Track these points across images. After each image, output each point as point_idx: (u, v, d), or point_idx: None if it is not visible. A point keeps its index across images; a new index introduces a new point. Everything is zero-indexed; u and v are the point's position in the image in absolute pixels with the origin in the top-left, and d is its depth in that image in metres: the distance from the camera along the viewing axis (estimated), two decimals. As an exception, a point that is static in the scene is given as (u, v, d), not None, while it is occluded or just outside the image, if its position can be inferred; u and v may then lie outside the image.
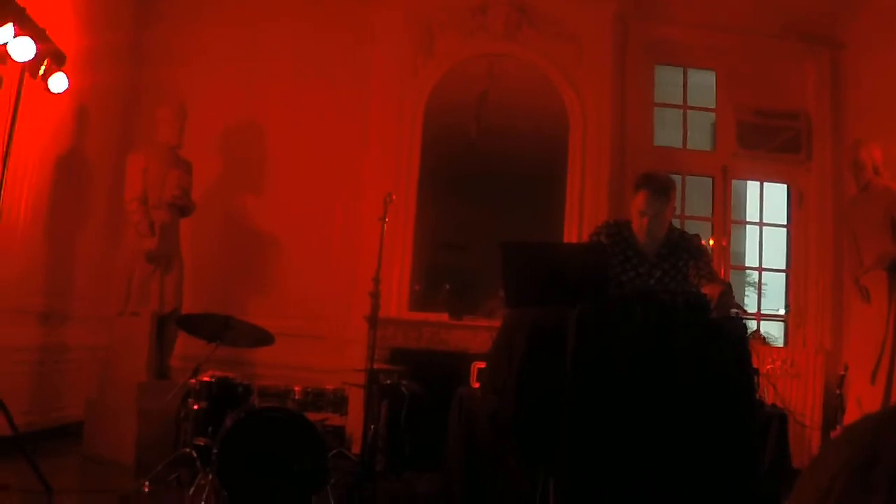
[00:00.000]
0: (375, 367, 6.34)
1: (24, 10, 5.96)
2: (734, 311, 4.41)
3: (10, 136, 5.97)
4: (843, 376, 7.07)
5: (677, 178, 8.88)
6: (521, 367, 3.86)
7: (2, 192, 5.84)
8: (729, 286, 4.56)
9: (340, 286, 8.22)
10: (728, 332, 3.93)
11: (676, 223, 8.61)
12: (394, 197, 6.44)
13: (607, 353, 3.69)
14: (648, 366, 3.66)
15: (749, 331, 8.95)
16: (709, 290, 4.37)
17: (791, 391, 7.83)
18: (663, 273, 4.92)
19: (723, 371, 3.75)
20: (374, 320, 6.21)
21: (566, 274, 4.16)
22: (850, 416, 6.92)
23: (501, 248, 4.28)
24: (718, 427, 3.68)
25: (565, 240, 8.37)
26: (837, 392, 7.08)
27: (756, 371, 5.72)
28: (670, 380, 3.66)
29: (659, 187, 4.94)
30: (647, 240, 4.94)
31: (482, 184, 8.80)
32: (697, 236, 5.19)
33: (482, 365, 5.58)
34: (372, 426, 6.40)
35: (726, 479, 3.61)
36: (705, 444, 3.64)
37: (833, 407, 7.34)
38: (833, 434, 7.00)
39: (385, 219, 6.31)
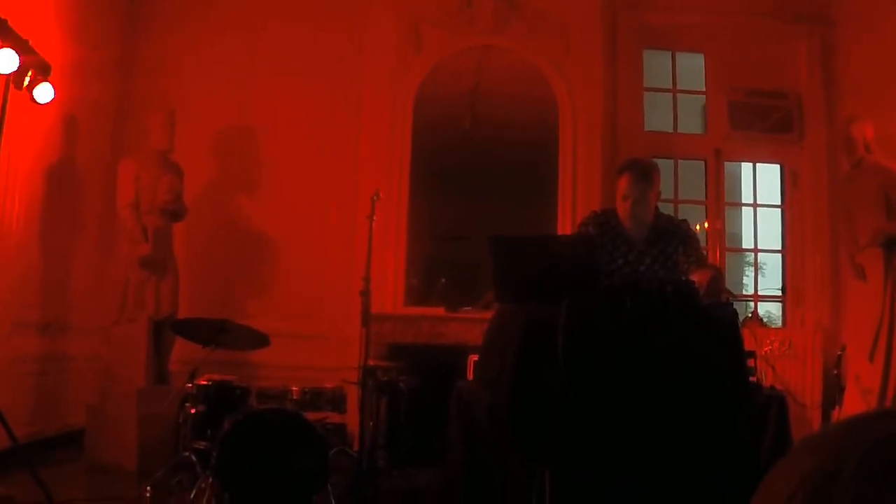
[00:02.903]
0: (372, 363, 6.36)
1: (5, 21, 5.96)
2: (725, 296, 4.42)
3: (-2, 149, 5.98)
4: (839, 356, 7.07)
5: (670, 163, 8.92)
6: (517, 361, 3.87)
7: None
8: (719, 271, 4.58)
9: (338, 284, 8.21)
10: (719, 319, 3.93)
11: (671, 208, 8.72)
12: (381, 194, 6.47)
13: (599, 344, 3.70)
14: (640, 356, 3.67)
15: (748, 312, 8.99)
16: (699, 276, 4.38)
17: (790, 371, 7.83)
18: (653, 260, 4.93)
19: (715, 358, 3.75)
20: (366, 318, 6.23)
21: (555, 267, 4.16)
22: (850, 394, 6.93)
23: (489, 243, 4.29)
24: (712, 415, 3.68)
25: (559, 228, 8.39)
26: (835, 372, 7.08)
27: (752, 354, 5.73)
28: (662, 369, 3.66)
29: (641, 170, 4.98)
30: (633, 225, 4.95)
31: (477, 175, 8.81)
32: (685, 221, 5.20)
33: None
34: (371, 423, 6.42)
35: (722, 467, 3.61)
36: (699, 432, 3.64)
37: (833, 386, 7.34)
38: (834, 414, 7.00)
39: (373, 217, 6.32)
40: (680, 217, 8.23)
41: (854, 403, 6.80)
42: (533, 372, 3.81)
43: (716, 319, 3.92)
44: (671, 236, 4.98)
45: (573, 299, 3.74)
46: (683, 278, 4.61)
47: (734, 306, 4.31)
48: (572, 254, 4.47)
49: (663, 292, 3.87)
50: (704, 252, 5.91)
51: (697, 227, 9.09)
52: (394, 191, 8.24)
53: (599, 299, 3.88)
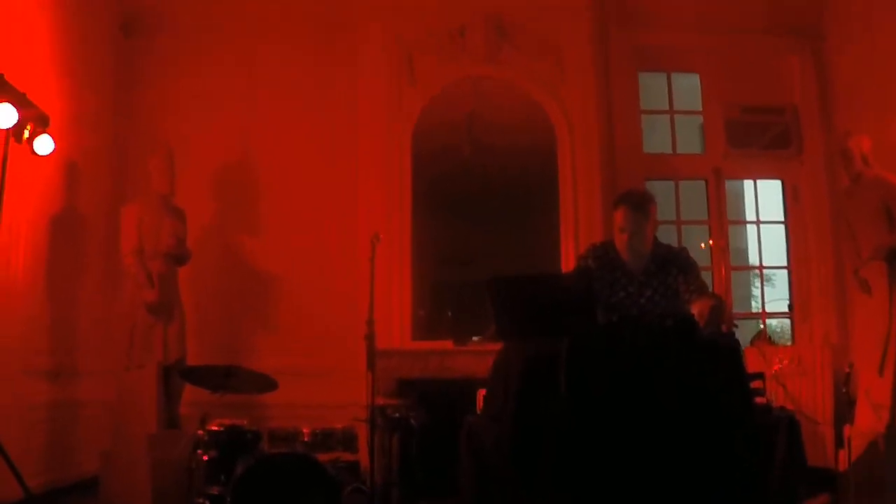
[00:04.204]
0: (381, 402, 6.36)
1: (2, 76, 6.00)
2: (727, 325, 4.43)
3: (0, 201, 6.00)
4: (848, 374, 7.04)
5: (670, 184, 8.93)
6: (518, 397, 3.88)
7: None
8: (720, 300, 4.58)
9: (344, 320, 8.13)
10: (720, 350, 3.94)
11: (673, 229, 8.74)
12: (381, 236, 6.47)
13: (600, 381, 3.71)
14: (641, 391, 3.68)
15: (756, 332, 8.97)
16: (699, 306, 4.39)
17: (801, 389, 7.79)
18: (653, 291, 4.95)
19: (716, 390, 3.76)
20: (371, 361, 6.22)
21: (554, 305, 4.18)
22: (861, 409, 6.90)
23: (488, 284, 4.31)
24: (713, 441, 3.69)
25: (563, 251, 8.46)
26: (844, 390, 7.05)
27: (760, 375, 5.72)
28: (664, 403, 3.67)
29: (636, 202, 5.01)
30: (631, 257, 4.99)
31: (480, 201, 8.82)
32: (685, 249, 5.21)
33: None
34: (383, 460, 6.42)
35: (725, 493, 3.63)
36: (704, 463, 3.65)
37: (843, 402, 7.30)
38: (845, 431, 6.96)
39: (374, 259, 6.32)
40: (684, 236, 8.30)
41: (865, 419, 6.77)
42: (535, 410, 3.83)
43: (717, 350, 3.93)
44: (671, 265, 5.00)
45: (574, 336, 3.76)
46: (685, 308, 4.63)
47: (736, 336, 4.34)
48: (569, 290, 4.48)
49: (664, 326, 3.89)
50: (706, 279, 5.90)
51: (702, 245, 9.08)
52: (395, 223, 8.31)
53: (600, 335, 3.90)
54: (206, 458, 5.74)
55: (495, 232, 8.77)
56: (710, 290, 5.30)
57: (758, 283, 11.39)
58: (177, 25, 9.03)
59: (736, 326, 5.12)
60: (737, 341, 4.20)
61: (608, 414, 3.70)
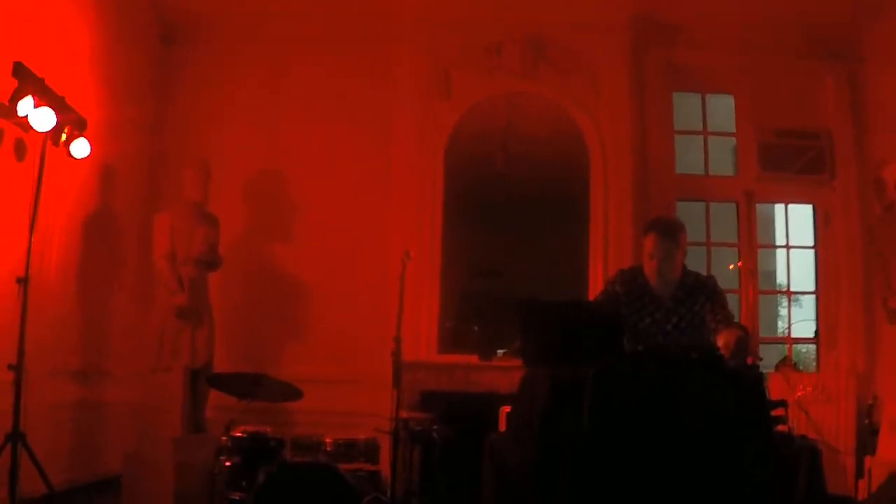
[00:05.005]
0: (405, 416, 6.38)
1: (42, 80, 6.10)
2: (751, 358, 4.45)
3: (36, 202, 6.07)
4: (871, 406, 7.00)
5: (701, 206, 8.91)
6: (541, 425, 3.91)
7: (30, 257, 5.94)
8: (746, 331, 4.59)
9: (372, 329, 8.15)
10: (743, 384, 3.95)
11: (703, 251, 8.72)
12: (412, 253, 6.47)
13: (624, 412, 3.73)
14: (665, 422, 3.70)
15: (782, 357, 8.92)
16: (726, 336, 4.41)
17: (824, 416, 7.76)
18: (680, 318, 4.97)
19: (737, 420, 3.78)
20: (397, 378, 6.20)
21: (581, 333, 4.21)
22: (884, 439, 6.87)
23: (517, 308, 4.35)
24: (729, 467, 3.72)
25: (591, 271, 8.46)
26: (867, 420, 7.02)
27: (783, 403, 5.71)
28: (687, 434, 3.69)
29: (667, 230, 5.04)
30: (659, 284, 5.01)
31: (510, 213, 8.82)
32: (713, 278, 5.23)
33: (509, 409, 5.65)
34: (404, 472, 6.44)
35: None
36: (722, 489, 3.67)
37: (866, 432, 7.27)
38: (866, 459, 6.93)
39: (404, 277, 6.31)
40: (713, 258, 8.27)
41: (888, 449, 6.74)
42: (558, 432, 3.86)
43: (740, 383, 3.94)
44: (698, 293, 5.02)
45: (600, 367, 3.78)
46: (710, 339, 4.66)
47: (760, 370, 4.35)
48: (597, 320, 4.51)
49: (688, 359, 3.91)
50: (733, 302, 5.92)
51: (731, 265, 9.04)
52: (426, 236, 8.37)
53: (625, 367, 3.92)
54: (228, 463, 5.78)
55: (525, 243, 8.79)
56: (737, 319, 5.31)
57: (784, 304, 11.33)
58: (215, 36, 9.13)
59: (760, 359, 5.14)
60: (760, 374, 4.22)
61: (631, 444, 3.72)
